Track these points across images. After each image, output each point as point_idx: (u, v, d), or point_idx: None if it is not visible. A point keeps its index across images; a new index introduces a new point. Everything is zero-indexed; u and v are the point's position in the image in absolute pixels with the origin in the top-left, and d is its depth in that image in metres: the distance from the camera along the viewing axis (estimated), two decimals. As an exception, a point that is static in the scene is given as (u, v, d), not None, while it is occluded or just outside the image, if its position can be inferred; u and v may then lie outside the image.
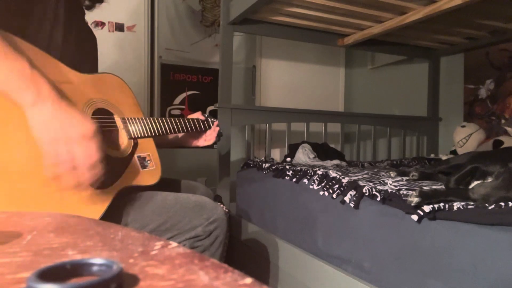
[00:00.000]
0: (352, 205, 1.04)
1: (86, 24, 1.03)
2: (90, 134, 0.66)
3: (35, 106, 0.64)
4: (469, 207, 0.80)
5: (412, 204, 0.86)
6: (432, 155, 2.18)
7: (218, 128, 1.17)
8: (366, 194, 1.02)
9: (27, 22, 0.79)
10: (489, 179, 0.91)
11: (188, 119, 1.10)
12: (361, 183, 1.08)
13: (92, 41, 1.04)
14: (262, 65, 2.78)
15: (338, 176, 1.18)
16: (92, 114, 0.82)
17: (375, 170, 1.54)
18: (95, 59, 1.05)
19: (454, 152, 2.03)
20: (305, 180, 1.31)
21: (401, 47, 2.28)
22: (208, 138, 1.17)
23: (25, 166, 0.68)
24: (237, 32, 1.98)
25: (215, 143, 1.19)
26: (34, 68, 0.66)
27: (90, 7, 1.02)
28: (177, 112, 2.51)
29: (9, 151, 0.67)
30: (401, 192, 0.99)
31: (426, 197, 0.86)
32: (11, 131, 0.68)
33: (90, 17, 1.05)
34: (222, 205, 0.99)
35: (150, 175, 0.92)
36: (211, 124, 1.17)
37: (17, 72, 0.64)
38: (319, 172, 1.28)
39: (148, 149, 0.94)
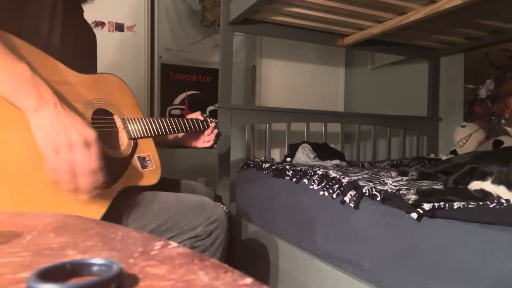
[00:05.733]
0: (352, 205, 1.04)
1: (85, 22, 1.03)
2: (91, 141, 0.66)
3: (38, 112, 0.64)
4: (469, 206, 0.80)
5: (410, 202, 0.86)
6: (432, 155, 2.18)
7: (216, 130, 1.17)
8: (366, 194, 1.02)
9: (24, 23, 0.79)
10: (489, 179, 0.91)
11: (187, 119, 1.10)
12: (361, 183, 1.08)
13: (91, 39, 1.03)
14: (262, 65, 2.78)
15: (338, 176, 1.18)
16: (92, 115, 0.82)
17: (375, 170, 1.54)
18: (94, 58, 1.05)
19: (454, 152, 2.03)
20: (305, 180, 1.31)
21: (401, 47, 2.28)
22: (206, 140, 1.17)
23: (25, 166, 0.68)
24: (237, 32, 1.98)
25: (214, 143, 1.19)
26: (34, 71, 0.66)
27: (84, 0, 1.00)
28: (177, 112, 2.51)
29: (9, 152, 0.67)
30: (401, 192, 0.99)
31: (424, 195, 0.86)
32: (11, 132, 0.68)
33: (90, 17, 1.04)
34: (222, 205, 0.99)
35: (150, 175, 0.92)
36: (210, 124, 1.17)
37: (17, 76, 0.64)
38: (319, 172, 1.28)
39: (148, 149, 0.94)
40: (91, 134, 0.67)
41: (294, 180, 1.36)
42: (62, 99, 0.69)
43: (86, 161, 0.65)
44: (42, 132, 0.64)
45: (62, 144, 0.64)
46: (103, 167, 0.68)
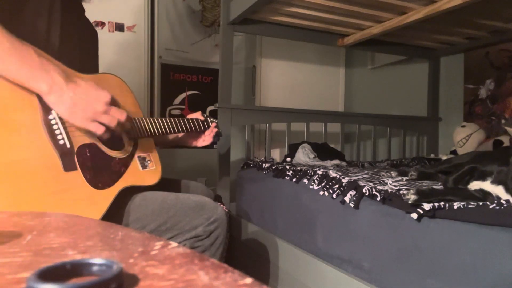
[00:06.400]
0: (352, 205, 1.04)
1: (86, 21, 1.02)
2: (109, 102, 0.76)
3: (52, 93, 0.69)
4: (469, 206, 0.80)
5: (410, 202, 0.86)
6: (432, 155, 2.18)
7: (216, 129, 1.17)
8: (366, 194, 1.02)
9: (21, 23, 0.78)
10: (488, 179, 0.90)
11: (187, 119, 1.10)
12: (361, 183, 1.08)
13: (92, 39, 1.03)
14: (262, 65, 2.78)
15: (338, 176, 1.18)
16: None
17: (375, 170, 1.54)
18: (95, 57, 1.04)
19: (454, 152, 2.03)
20: (305, 180, 1.31)
21: (401, 47, 2.28)
22: (206, 139, 1.17)
23: (26, 167, 0.68)
24: (237, 32, 1.98)
25: (214, 143, 1.19)
26: (40, 55, 0.69)
27: None
28: (177, 112, 2.51)
29: (11, 152, 0.67)
30: (401, 192, 0.99)
31: (424, 195, 0.86)
32: (12, 132, 0.68)
33: (91, 17, 1.04)
34: (222, 205, 0.99)
35: (150, 175, 0.92)
36: (210, 124, 1.17)
37: (27, 61, 0.67)
38: (319, 172, 1.28)
39: (148, 149, 0.94)
40: (106, 96, 0.76)
41: (294, 180, 1.36)
42: None
43: (119, 111, 0.78)
44: (67, 112, 0.72)
45: (90, 116, 0.74)
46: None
